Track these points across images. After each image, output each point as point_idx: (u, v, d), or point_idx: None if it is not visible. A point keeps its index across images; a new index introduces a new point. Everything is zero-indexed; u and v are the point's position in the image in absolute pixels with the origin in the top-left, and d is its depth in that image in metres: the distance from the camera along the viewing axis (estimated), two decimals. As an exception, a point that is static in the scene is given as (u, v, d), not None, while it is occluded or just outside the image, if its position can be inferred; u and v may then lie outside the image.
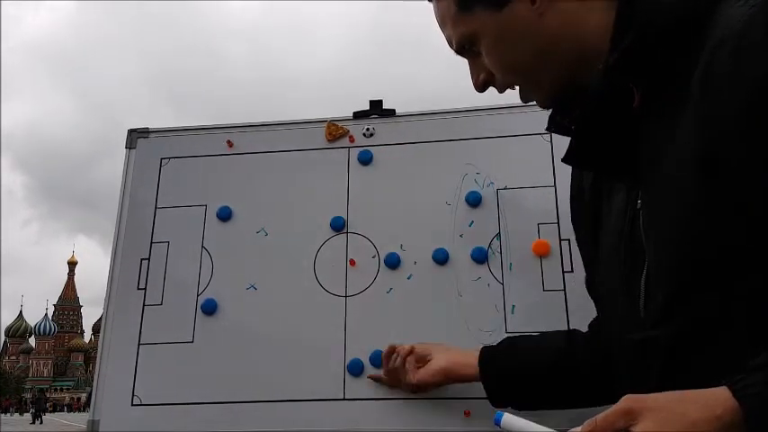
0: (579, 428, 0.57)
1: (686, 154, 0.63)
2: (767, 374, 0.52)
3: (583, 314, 1.18)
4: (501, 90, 0.84)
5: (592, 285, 0.92)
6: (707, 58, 0.62)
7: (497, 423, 0.67)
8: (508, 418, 0.66)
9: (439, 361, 1.14)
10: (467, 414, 1.18)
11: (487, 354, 1.10)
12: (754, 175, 0.57)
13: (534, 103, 0.84)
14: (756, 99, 0.57)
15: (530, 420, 0.66)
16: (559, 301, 1.22)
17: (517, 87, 0.84)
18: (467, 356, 1.12)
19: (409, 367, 1.16)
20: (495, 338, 1.22)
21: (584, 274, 0.95)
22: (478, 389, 1.19)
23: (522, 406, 1.04)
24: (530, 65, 0.78)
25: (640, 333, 0.69)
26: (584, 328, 1.20)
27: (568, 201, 0.96)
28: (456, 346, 1.19)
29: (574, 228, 0.95)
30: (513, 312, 1.23)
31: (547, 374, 1.04)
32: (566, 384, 1.03)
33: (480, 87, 0.84)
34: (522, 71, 0.79)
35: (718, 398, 0.52)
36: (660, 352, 0.67)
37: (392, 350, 1.19)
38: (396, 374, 1.18)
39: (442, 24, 0.83)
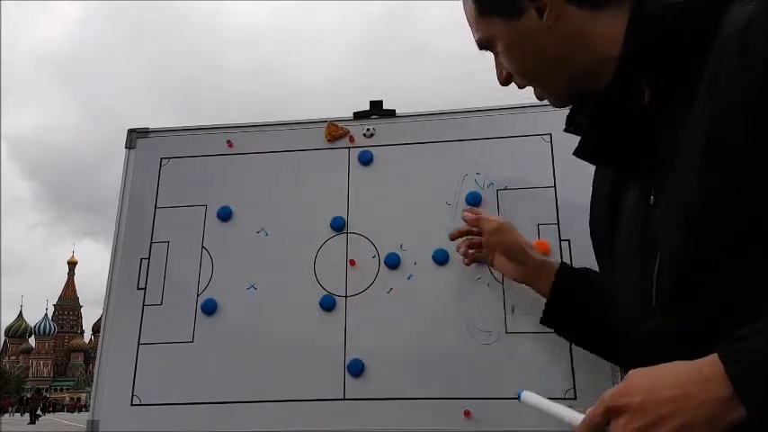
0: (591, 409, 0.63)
1: (696, 143, 0.65)
2: (747, 341, 0.58)
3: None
4: (520, 87, 0.90)
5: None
6: (715, 57, 0.65)
7: (518, 398, 0.72)
8: (528, 395, 0.70)
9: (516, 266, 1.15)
10: (467, 414, 1.18)
11: (565, 269, 1.10)
12: (759, 158, 0.60)
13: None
14: (762, 80, 0.59)
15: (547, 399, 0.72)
16: (559, 302, 1.22)
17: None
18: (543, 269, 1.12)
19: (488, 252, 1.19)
20: (494, 339, 1.22)
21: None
22: (479, 389, 1.19)
23: (565, 333, 1.11)
24: (540, 72, 0.84)
25: (653, 322, 0.71)
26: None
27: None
28: (458, 346, 1.20)
29: (592, 228, 0.94)
30: (512, 312, 1.23)
31: (598, 316, 1.02)
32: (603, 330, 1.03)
33: (504, 82, 0.90)
34: (534, 77, 0.86)
35: (707, 361, 0.59)
36: (671, 341, 0.69)
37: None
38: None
39: (468, 23, 0.89)
